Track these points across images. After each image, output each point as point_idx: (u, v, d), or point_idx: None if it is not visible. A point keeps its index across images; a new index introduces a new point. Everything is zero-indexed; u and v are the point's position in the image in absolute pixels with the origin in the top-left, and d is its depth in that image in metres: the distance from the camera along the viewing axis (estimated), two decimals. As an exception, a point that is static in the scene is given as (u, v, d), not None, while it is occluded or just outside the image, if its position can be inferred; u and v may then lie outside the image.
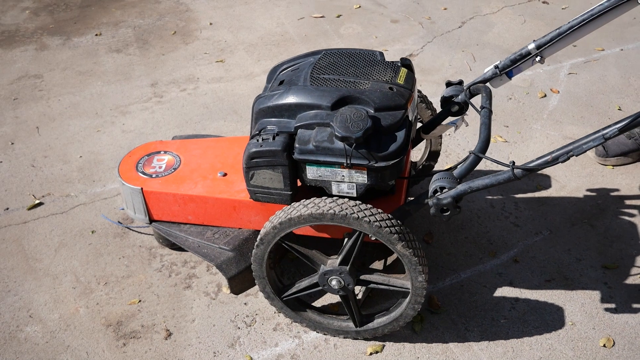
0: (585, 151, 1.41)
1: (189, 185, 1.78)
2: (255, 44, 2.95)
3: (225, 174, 1.81)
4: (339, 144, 1.47)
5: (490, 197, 2.15)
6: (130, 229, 2.06)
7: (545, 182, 2.21)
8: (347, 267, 1.58)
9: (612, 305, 1.86)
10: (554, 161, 1.42)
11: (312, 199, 1.53)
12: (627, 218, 2.15)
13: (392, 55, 2.88)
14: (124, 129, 2.44)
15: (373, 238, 1.51)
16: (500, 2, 3.33)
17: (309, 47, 2.92)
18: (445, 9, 3.26)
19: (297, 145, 1.52)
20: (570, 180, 2.22)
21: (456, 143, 2.36)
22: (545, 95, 2.60)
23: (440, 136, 2.02)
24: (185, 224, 1.86)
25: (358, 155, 1.47)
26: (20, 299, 1.85)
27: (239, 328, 1.79)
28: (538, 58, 1.73)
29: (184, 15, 3.13)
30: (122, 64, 2.78)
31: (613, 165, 2.41)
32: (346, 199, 1.50)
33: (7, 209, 2.12)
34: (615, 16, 1.63)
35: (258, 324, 1.80)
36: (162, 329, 1.78)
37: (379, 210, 1.49)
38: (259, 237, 1.62)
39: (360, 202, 1.50)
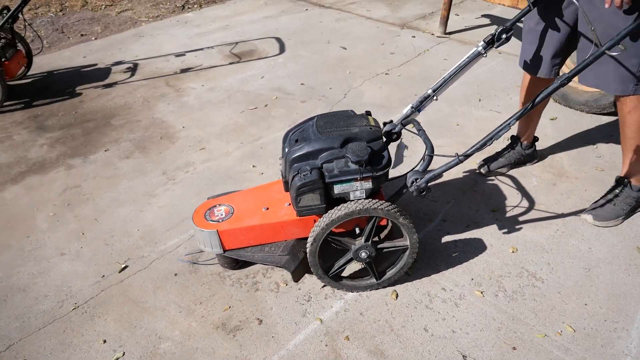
0: (500, 137, 1.81)
1: (248, 220, 1.99)
2: (220, 133, 3.23)
3: (267, 208, 2.03)
4: (353, 166, 1.78)
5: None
6: (198, 264, 2.22)
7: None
8: (369, 242, 1.91)
9: (506, 230, 2.32)
10: (482, 147, 1.81)
11: (340, 205, 1.84)
12: (492, 182, 2.69)
13: (312, 122, 3.31)
14: (159, 205, 2.61)
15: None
16: (362, 78, 3.88)
17: (257, 128, 3.25)
18: (330, 88, 3.74)
19: (326, 174, 1.79)
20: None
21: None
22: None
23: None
24: (248, 246, 2.03)
25: (366, 171, 1.79)
26: (146, 329, 1.94)
27: (302, 304, 2.01)
28: (434, 97, 2.10)
29: (162, 125, 3.33)
30: (134, 165, 2.93)
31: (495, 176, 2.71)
32: (362, 200, 1.85)
33: (104, 276, 2.19)
34: (472, 66, 2.10)
35: (313, 298, 2.03)
36: (254, 319, 1.96)
37: (383, 201, 1.84)
38: (311, 238, 1.84)
39: (372, 199, 1.84)
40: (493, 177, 2.70)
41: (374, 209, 1.80)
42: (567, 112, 3.27)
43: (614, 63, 1.97)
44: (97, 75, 4.07)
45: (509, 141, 2.75)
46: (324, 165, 1.82)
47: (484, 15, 5.11)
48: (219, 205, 2.11)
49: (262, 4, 5.69)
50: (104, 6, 5.67)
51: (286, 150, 1.92)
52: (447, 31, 4.64)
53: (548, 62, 2.28)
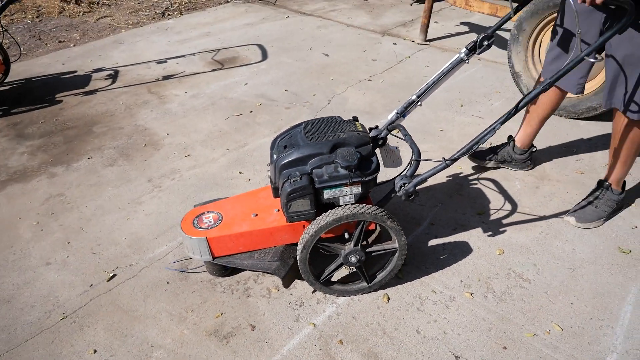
0: (485, 141, 1.84)
1: (237, 227, 1.98)
2: (205, 140, 3.22)
3: (256, 215, 2.02)
4: (343, 171, 1.79)
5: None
6: (187, 272, 2.21)
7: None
8: (359, 247, 1.92)
9: (492, 232, 2.37)
10: (467, 151, 1.85)
11: (327, 212, 1.83)
12: (476, 186, 2.74)
13: (297, 128, 3.33)
14: (145, 213, 2.59)
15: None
16: (345, 84, 3.92)
17: (242, 135, 3.25)
18: (314, 95, 3.77)
19: (316, 179, 1.79)
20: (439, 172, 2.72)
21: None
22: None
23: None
24: (237, 253, 2.02)
25: (355, 175, 1.80)
26: (137, 338, 1.91)
27: (295, 309, 2.01)
28: (419, 103, 2.12)
29: (145, 132, 3.30)
30: (119, 173, 2.90)
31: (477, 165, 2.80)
32: (349, 205, 1.85)
33: (91, 285, 2.15)
34: (454, 72, 2.15)
35: (305, 303, 2.04)
36: (247, 325, 1.96)
37: (370, 206, 1.85)
38: (300, 245, 1.85)
39: (359, 204, 1.85)
40: (476, 182, 2.75)
41: (361, 213, 1.82)
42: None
43: (627, 86, 2.01)
44: (77, 82, 4.02)
45: (506, 140, 2.80)
46: (313, 170, 1.83)
47: (462, 23, 5.21)
48: (207, 212, 2.10)
49: (243, 10, 5.70)
50: (82, 12, 5.60)
51: (275, 156, 1.92)
52: (427, 38, 4.72)
53: (575, 78, 2.30)
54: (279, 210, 2.01)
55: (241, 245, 2.02)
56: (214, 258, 2.04)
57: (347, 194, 1.86)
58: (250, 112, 3.53)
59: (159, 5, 5.86)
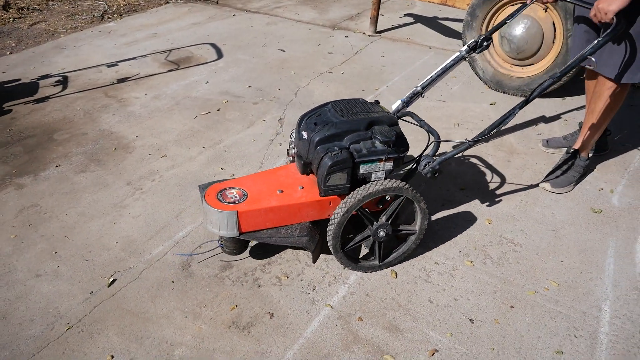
0: (506, 124, 2.00)
1: (266, 202, 1.97)
2: (178, 139, 3.16)
3: (282, 191, 2.02)
4: (380, 147, 1.87)
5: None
6: (200, 254, 2.18)
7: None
8: (389, 222, 2.00)
9: (477, 204, 2.51)
10: (489, 133, 1.99)
11: (362, 186, 1.90)
12: (453, 164, 2.86)
13: (273, 117, 3.35)
14: (132, 216, 2.51)
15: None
16: (307, 78, 3.97)
17: (215, 132, 3.22)
18: (279, 89, 3.79)
19: (355, 154, 1.85)
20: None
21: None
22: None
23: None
24: (264, 229, 2.01)
25: (392, 151, 1.88)
26: (155, 339, 1.87)
27: (309, 293, 2.05)
28: (422, 94, 2.21)
29: (112, 136, 3.19)
30: (93, 179, 2.78)
31: (551, 153, 2.88)
32: (392, 180, 1.92)
33: (92, 292, 2.07)
34: (455, 67, 2.22)
35: (317, 287, 2.08)
36: (265, 313, 1.97)
37: (408, 184, 1.95)
38: (343, 208, 1.88)
39: (399, 181, 1.92)
40: (452, 161, 2.89)
41: (406, 189, 1.91)
42: (503, 97, 3.59)
43: (636, 57, 2.17)
44: (23, 90, 3.80)
45: (578, 127, 2.86)
46: (351, 145, 1.88)
47: (406, 14, 5.42)
48: (230, 188, 2.05)
49: (187, 10, 5.60)
50: (11, 19, 5.27)
51: (303, 133, 1.95)
52: (377, 30, 4.86)
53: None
54: (303, 187, 2.04)
55: (269, 220, 2.00)
56: (240, 234, 2.00)
57: (380, 170, 1.93)
58: (218, 110, 3.50)
59: (96, 8, 5.63)
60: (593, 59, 1.98)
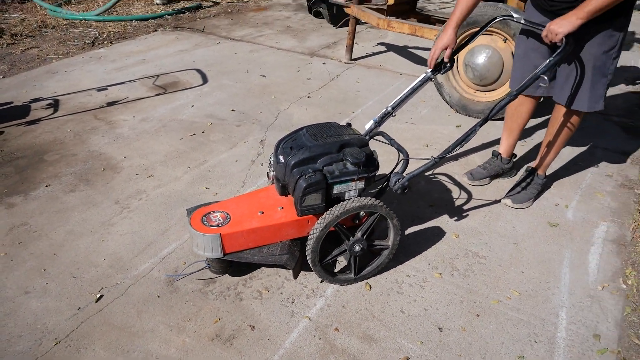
0: (468, 141, 2.04)
1: (247, 224, 1.98)
2: (164, 160, 3.14)
3: (263, 212, 2.03)
4: (352, 168, 1.88)
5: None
6: (190, 274, 2.15)
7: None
8: (365, 237, 2.01)
9: (445, 220, 2.54)
10: (452, 150, 2.03)
11: (353, 199, 1.92)
12: (422, 183, 2.90)
13: (254, 138, 3.36)
14: (120, 233, 2.48)
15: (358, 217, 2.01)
16: (287, 102, 4.01)
17: (200, 153, 3.21)
18: (261, 112, 3.81)
19: (328, 175, 1.87)
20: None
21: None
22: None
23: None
24: (247, 249, 2.01)
25: (362, 171, 1.90)
26: (140, 352, 1.84)
27: (288, 306, 2.04)
28: (393, 114, 2.26)
29: (101, 157, 3.16)
30: (82, 198, 2.75)
31: (478, 185, 2.84)
32: (367, 198, 1.93)
33: (79, 308, 2.04)
34: (422, 88, 2.28)
35: (296, 300, 2.07)
36: (246, 326, 1.95)
37: (382, 202, 1.96)
38: (322, 224, 1.88)
39: (374, 199, 1.94)
40: (421, 179, 2.94)
41: (380, 206, 1.93)
42: (468, 120, 3.66)
43: (587, 86, 2.22)
44: (15, 113, 3.74)
45: (491, 156, 2.93)
46: (324, 168, 1.91)
47: (379, 43, 5.51)
48: (214, 211, 2.07)
49: (174, 38, 5.61)
50: (5, 44, 5.21)
51: (281, 157, 1.97)
52: (352, 57, 4.94)
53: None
54: (283, 207, 2.05)
55: (251, 241, 2.02)
56: (224, 254, 2.00)
57: (352, 189, 1.95)
58: (203, 132, 3.50)
59: (87, 35, 5.60)
60: (545, 78, 2.03)
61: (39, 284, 2.17)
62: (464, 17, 2.23)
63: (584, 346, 1.89)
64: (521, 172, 2.88)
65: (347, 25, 4.85)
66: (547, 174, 2.74)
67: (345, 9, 4.73)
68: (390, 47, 5.37)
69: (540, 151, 2.66)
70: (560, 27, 1.99)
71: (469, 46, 3.51)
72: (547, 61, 2.03)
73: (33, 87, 4.23)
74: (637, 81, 4.50)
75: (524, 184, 2.68)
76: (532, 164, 2.73)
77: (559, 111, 2.42)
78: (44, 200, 2.73)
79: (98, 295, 2.11)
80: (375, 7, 4.52)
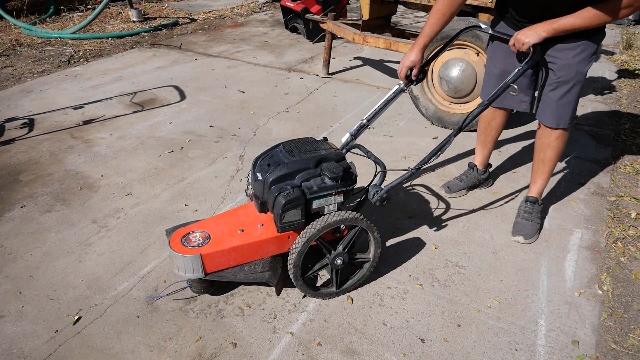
0: (444, 151, 2.05)
1: (228, 242, 1.96)
2: (143, 177, 3.10)
3: (243, 230, 2.01)
4: (330, 182, 1.88)
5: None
6: (172, 294, 2.12)
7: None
8: (346, 251, 2.00)
9: (424, 231, 2.55)
10: (429, 160, 2.05)
11: (334, 212, 1.92)
12: (401, 194, 2.93)
13: (233, 154, 3.35)
14: (97, 253, 2.43)
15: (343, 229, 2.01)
16: (266, 117, 4.00)
17: (179, 170, 3.18)
18: (239, 128, 3.80)
19: (306, 191, 1.86)
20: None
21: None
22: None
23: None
24: (228, 268, 1.99)
25: (340, 186, 1.90)
26: (118, 373, 1.82)
27: (270, 322, 2.02)
28: (368, 126, 2.25)
29: (78, 176, 3.10)
30: (59, 218, 2.69)
31: (454, 197, 2.85)
32: (347, 211, 1.93)
33: (57, 331, 1.98)
34: (396, 99, 2.28)
35: (278, 315, 2.05)
36: (228, 343, 1.92)
37: (362, 215, 1.96)
38: (303, 238, 1.87)
39: (354, 212, 1.94)
40: (400, 191, 2.96)
41: (360, 219, 1.93)
42: (444, 131, 3.71)
43: (556, 104, 2.26)
44: (-12, 133, 3.66)
45: (467, 168, 2.95)
46: (302, 183, 1.90)
47: (356, 58, 5.57)
48: (194, 232, 2.04)
49: (151, 55, 5.58)
50: (-23, 64, 5.11)
51: (259, 174, 1.95)
52: (329, 72, 4.98)
53: (517, 98, 2.48)
54: (262, 224, 2.03)
55: (232, 259, 2.00)
56: (206, 274, 1.98)
57: (331, 203, 1.95)
58: (182, 149, 3.47)
59: (62, 53, 5.53)
60: (515, 87, 2.08)
61: (14, 307, 2.11)
62: (433, 36, 2.23)
63: (563, 353, 1.92)
64: (517, 203, 2.80)
65: (324, 40, 4.90)
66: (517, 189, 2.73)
67: (321, 25, 4.78)
68: (366, 61, 5.43)
69: (532, 179, 2.61)
70: (527, 37, 2.04)
71: (443, 60, 3.58)
72: (516, 70, 2.08)
73: (7, 107, 4.15)
74: (605, 91, 4.64)
75: (527, 216, 2.58)
76: (529, 193, 2.66)
77: (549, 136, 2.38)
78: (19, 221, 2.67)
79: (76, 317, 2.06)
80: (350, 22, 4.58)
